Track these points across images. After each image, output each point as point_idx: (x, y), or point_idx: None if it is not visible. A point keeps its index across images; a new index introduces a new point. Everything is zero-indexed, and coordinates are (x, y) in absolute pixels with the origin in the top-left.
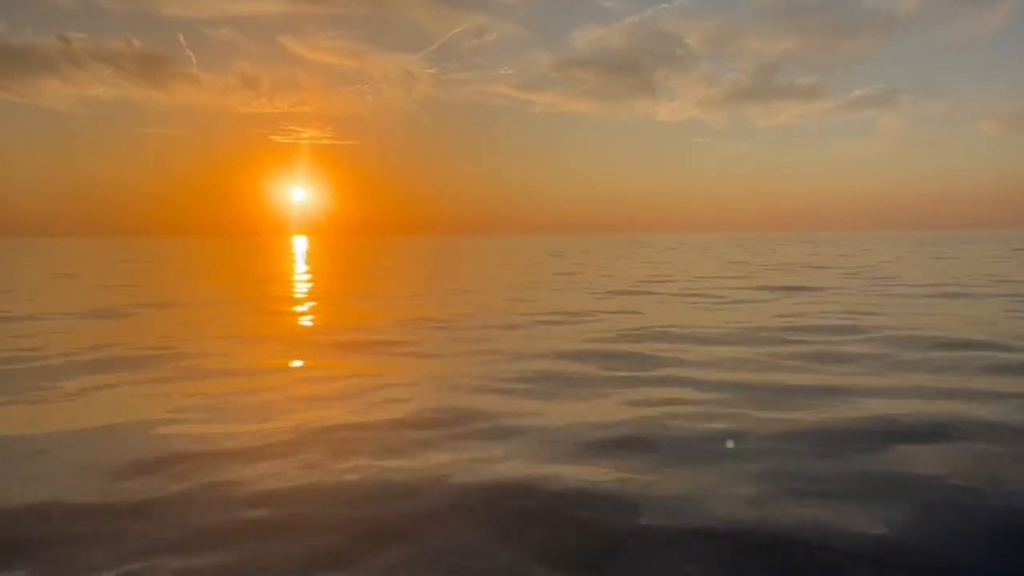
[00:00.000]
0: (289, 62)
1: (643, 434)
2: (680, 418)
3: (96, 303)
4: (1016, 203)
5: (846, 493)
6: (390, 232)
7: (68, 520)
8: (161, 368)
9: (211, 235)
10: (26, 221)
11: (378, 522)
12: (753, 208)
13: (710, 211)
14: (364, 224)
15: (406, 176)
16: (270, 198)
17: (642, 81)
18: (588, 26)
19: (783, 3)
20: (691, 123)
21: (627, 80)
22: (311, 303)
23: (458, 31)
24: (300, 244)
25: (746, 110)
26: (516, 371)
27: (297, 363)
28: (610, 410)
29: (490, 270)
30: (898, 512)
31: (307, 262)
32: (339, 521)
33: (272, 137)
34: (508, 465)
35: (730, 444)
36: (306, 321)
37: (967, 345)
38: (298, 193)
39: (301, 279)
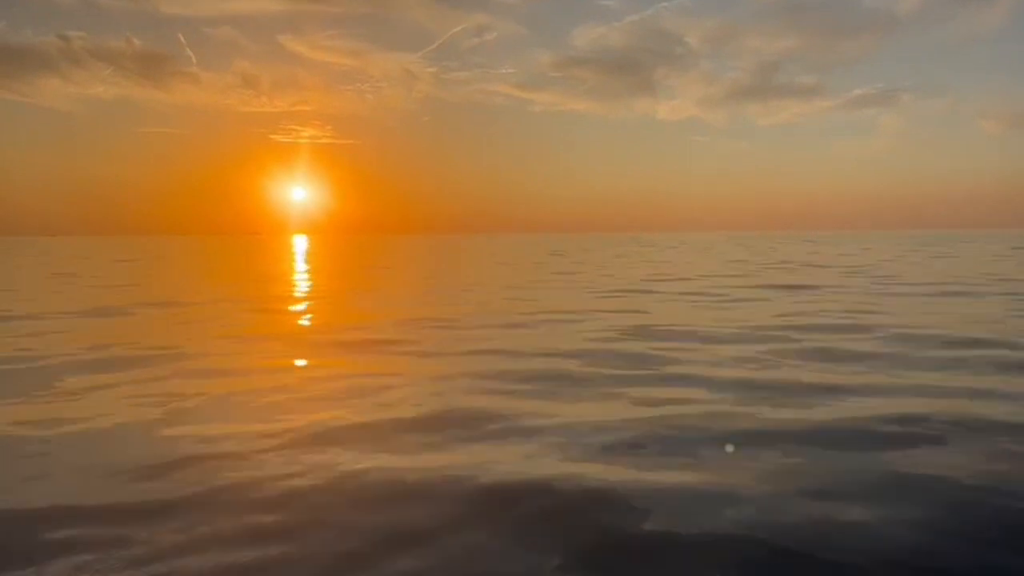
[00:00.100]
0: (289, 61)
1: (655, 434)
2: (691, 418)
3: (97, 302)
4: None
5: (861, 493)
6: (390, 231)
7: (73, 523)
8: (164, 368)
9: (211, 234)
10: (26, 220)
11: (394, 524)
12: (753, 207)
13: (710, 210)
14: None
15: (406, 175)
16: (270, 197)
17: (642, 80)
18: (588, 25)
19: (783, 2)
20: (691, 122)
21: (627, 79)
22: (312, 302)
23: (458, 30)
24: (300, 243)
25: (746, 109)
26: (522, 370)
27: (301, 363)
28: (620, 409)
29: (491, 269)
30: (914, 513)
31: (307, 261)
32: (353, 523)
33: (272, 136)
34: (522, 466)
35: (729, 448)
36: (308, 320)
37: (973, 343)
38: (298, 192)
39: (302, 278)
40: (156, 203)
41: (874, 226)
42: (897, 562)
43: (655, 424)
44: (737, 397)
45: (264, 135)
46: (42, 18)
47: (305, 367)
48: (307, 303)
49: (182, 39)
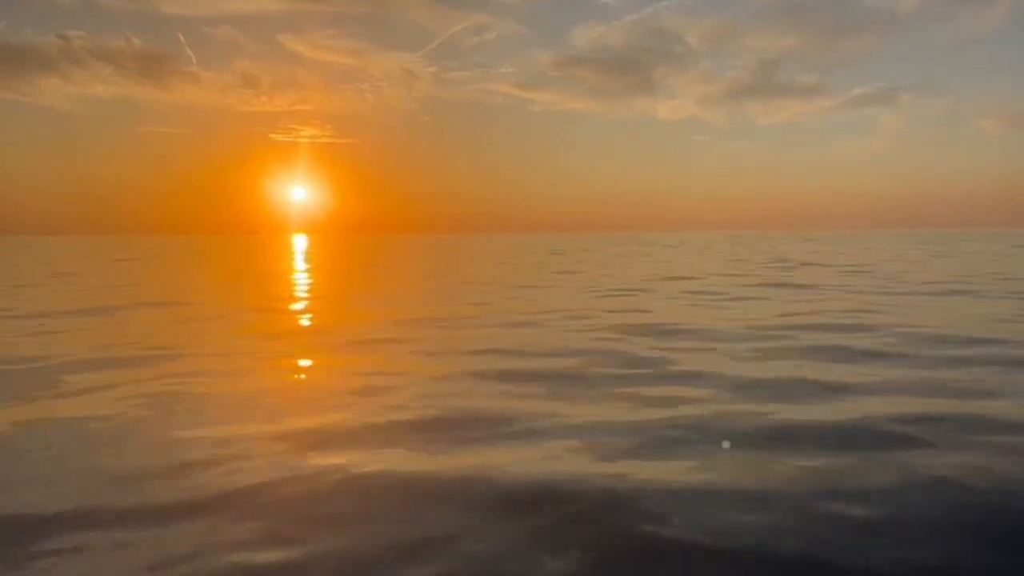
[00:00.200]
0: (289, 60)
1: (665, 434)
2: (701, 418)
3: (97, 301)
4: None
5: (880, 494)
6: (390, 230)
7: (76, 526)
8: (166, 368)
9: (211, 233)
10: (26, 219)
11: (407, 528)
12: (753, 206)
13: (710, 209)
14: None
15: (406, 174)
16: (270, 196)
17: (642, 79)
18: (588, 24)
19: (783, 1)
20: (691, 121)
21: (627, 78)
22: (314, 302)
23: (458, 29)
24: (300, 242)
25: (746, 108)
26: (527, 370)
27: (305, 363)
28: (629, 410)
29: (491, 268)
30: (936, 516)
31: (308, 260)
32: (364, 528)
33: (272, 135)
34: (534, 468)
35: (740, 448)
36: (311, 320)
37: (980, 342)
38: (298, 192)
39: (303, 278)
40: (156, 202)
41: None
42: (920, 567)
43: (665, 424)
44: (745, 396)
45: (264, 134)
46: (42, 18)
47: (309, 367)
48: (308, 302)
49: (182, 39)
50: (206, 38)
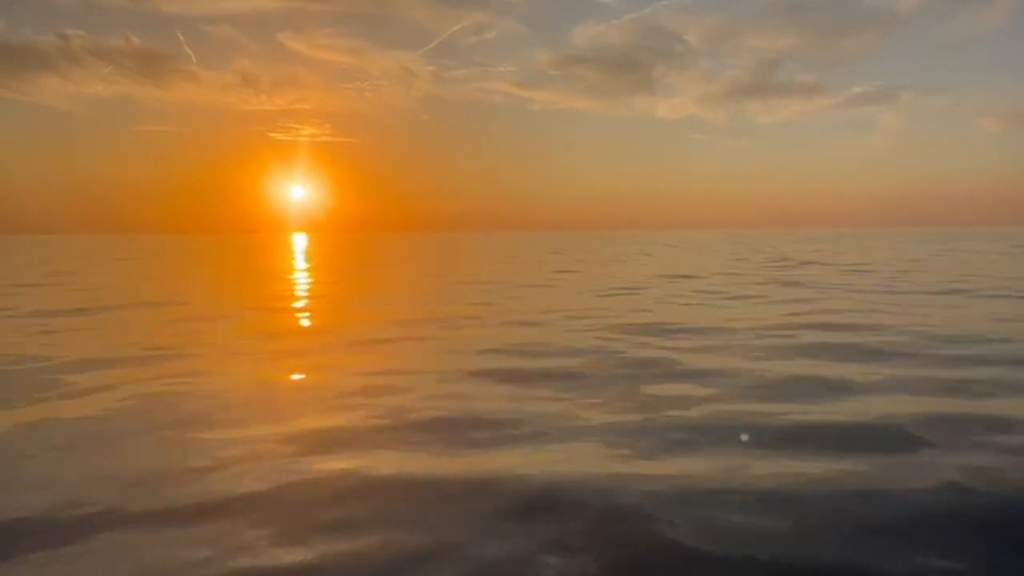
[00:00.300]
0: (288, 59)
1: (676, 436)
2: (713, 418)
3: (98, 301)
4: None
5: (893, 496)
6: (389, 229)
7: (77, 529)
8: (169, 368)
9: (210, 232)
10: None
11: (426, 532)
12: (753, 205)
13: (710, 208)
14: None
15: (405, 173)
16: (269, 195)
17: (641, 78)
18: (587, 23)
19: (783, 0)
20: (691, 120)
21: (626, 77)
22: (315, 301)
23: (457, 28)
24: (300, 241)
25: (746, 107)
26: (535, 369)
27: (309, 363)
28: (641, 410)
29: (492, 267)
30: (959, 522)
31: (309, 259)
32: (375, 531)
33: (271, 134)
34: (545, 469)
35: (754, 448)
36: (312, 319)
37: (988, 341)
38: (297, 190)
39: (304, 276)
40: (155, 201)
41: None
42: (934, 570)
43: (671, 426)
44: (751, 396)
45: (263, 133)
46: (41, 17)
47: (311, 367)
48: (309, 302)
49: (181, 37)
50: (205, 37)
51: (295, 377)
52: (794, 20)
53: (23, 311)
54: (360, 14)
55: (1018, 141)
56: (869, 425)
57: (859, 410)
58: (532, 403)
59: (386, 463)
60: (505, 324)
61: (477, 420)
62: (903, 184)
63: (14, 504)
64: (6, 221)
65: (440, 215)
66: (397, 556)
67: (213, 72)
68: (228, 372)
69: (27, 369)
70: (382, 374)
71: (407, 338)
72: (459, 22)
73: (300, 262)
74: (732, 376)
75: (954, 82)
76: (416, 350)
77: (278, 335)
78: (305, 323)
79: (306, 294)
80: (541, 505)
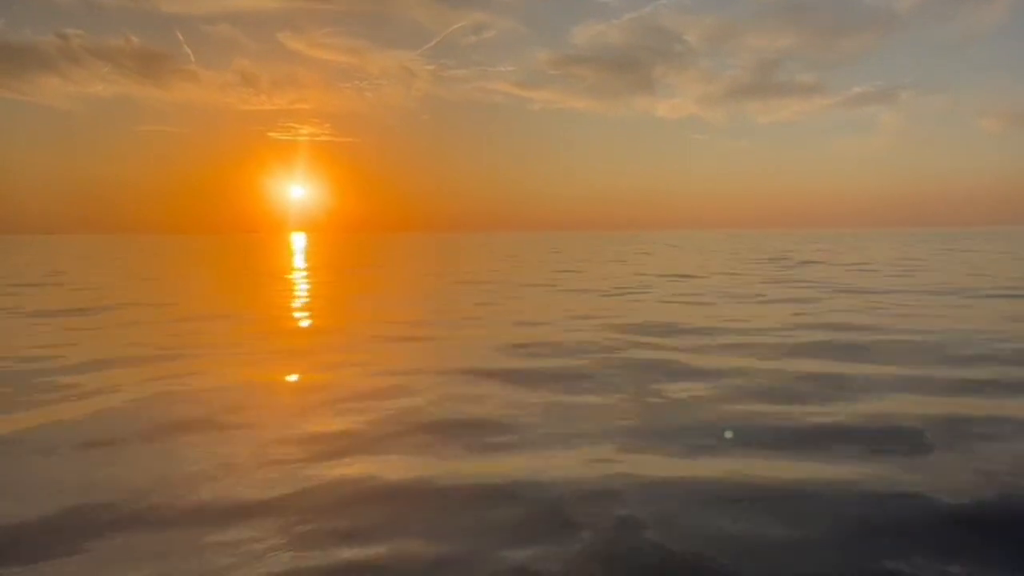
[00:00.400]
0: (288, 59)
1: (682, 437)
2: (715, 418)
3: (98, 301)
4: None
5: (899, 497)
6: (389, 229)
7: (77, 532)
8: (169, 368)
9: (210, 232)
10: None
11: (436, 538)
12: (753, 205)
13: (710, 208)
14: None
15: (405, 173)
16: (269, 195)
17: (641, 78)
18: (587, 23)
19: (783, 0)
20: (690, 120)
21: (626, 77)
22: (316, 300)
23: (457, 28)
24: (299, 241)
25: (746, 107)
26: (538, 369)
27: (312, 363)
28: (647, 410)
29: (492, 267)
30: (968, 524)
31: (308, 259)
32: (392, 538)
33: (271, 134)
34: (551, 473)
35: (763, 449)
36: (313, 319)
37: (992, 341)
38: (297, 190)
39: (304, 276)
40: (155, 201)
41: (874, 224)
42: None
43: (678, 426)
44: (752, 396)
45: (263, 133)
46: (41, 17)
47: (314, 368)
48: (309, 301)
49: (181, 37)
50: (205, 36)
51: (299, 378)
52: (794, 20)
53: (23, 311)
54: (360, 13)
55: (1018, 141)
56: (872, 425)
57: (862, 410)
58: (539, 405)
59: (396, 468)
60: (507, 324)
61: (483, 423)
62: (903, 184)
63: (16, 508)
64: (6, 221)
65: (440, 215)
66: (410, 564)
67: (213, 72)
68: (231, 373)
69: (28, 370)
70: (386, 375)
71: (409, 338)
72: (458, 21)
73: (300, 262)
74: (735, 376)
75: (954, 82)
76: (418, 351)
77: (279, 335)
78: (306, 323)
79: (306, 294)
80: (550, 511)
